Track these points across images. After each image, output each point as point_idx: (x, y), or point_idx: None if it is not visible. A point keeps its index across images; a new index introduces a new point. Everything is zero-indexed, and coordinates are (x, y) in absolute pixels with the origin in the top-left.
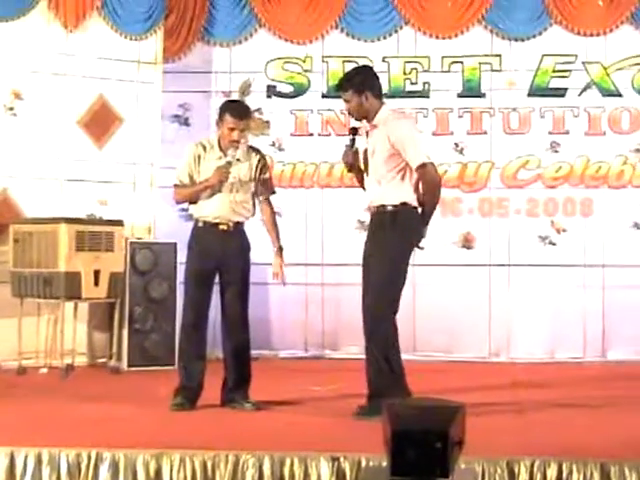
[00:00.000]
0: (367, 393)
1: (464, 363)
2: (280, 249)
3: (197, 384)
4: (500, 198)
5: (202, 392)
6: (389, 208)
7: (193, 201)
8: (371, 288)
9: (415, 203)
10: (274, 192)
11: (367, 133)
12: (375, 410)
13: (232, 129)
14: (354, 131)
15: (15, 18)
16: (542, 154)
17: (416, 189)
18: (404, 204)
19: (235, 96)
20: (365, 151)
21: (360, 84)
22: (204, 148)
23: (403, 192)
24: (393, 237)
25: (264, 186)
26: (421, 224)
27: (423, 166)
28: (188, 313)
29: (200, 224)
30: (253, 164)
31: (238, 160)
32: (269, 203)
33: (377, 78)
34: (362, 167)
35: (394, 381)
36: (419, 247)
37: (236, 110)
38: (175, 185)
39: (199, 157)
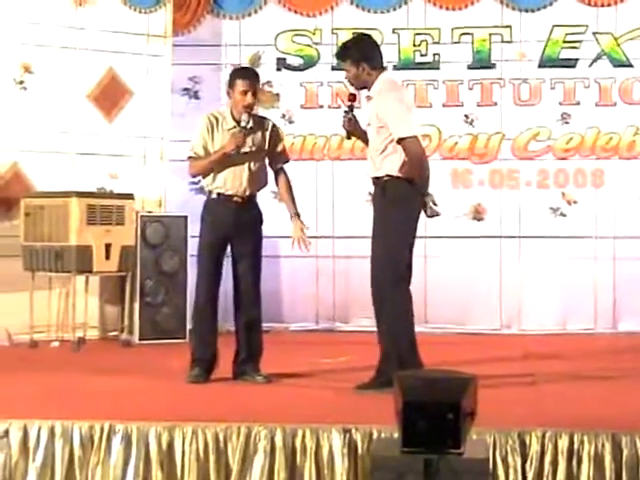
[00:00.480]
0: (377, 366)
1: (475, 335)
2: (297, 215)
3: (212, 356)
4: (511, 169)
5: (217, 364)
6: (379, 180)
7: (208, 173)
8: (371, 264)
9: (400, 174)
10: (288, 160)
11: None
12: (381, 384)
13: (245, 92)
14: (352, 97)
15: None
16: (553, 125)
17: (404, 162)
18: (389, 176)
19: None
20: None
21: (357, 55)
22: (216, 119)
23: (391, 164)
24: (385, 210)
25: (278, 155)
26: (417, 194)
27: (402, 140)
28: (201, 285)
29: (214, 196)
30: (267, 133)
31: (251, 129)
32: (284, 172)
33: (376, 47)
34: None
35: (405, 355)
36: (431, 215)
37: (246, 74)
38: (189, 157)
39: (212, 128)
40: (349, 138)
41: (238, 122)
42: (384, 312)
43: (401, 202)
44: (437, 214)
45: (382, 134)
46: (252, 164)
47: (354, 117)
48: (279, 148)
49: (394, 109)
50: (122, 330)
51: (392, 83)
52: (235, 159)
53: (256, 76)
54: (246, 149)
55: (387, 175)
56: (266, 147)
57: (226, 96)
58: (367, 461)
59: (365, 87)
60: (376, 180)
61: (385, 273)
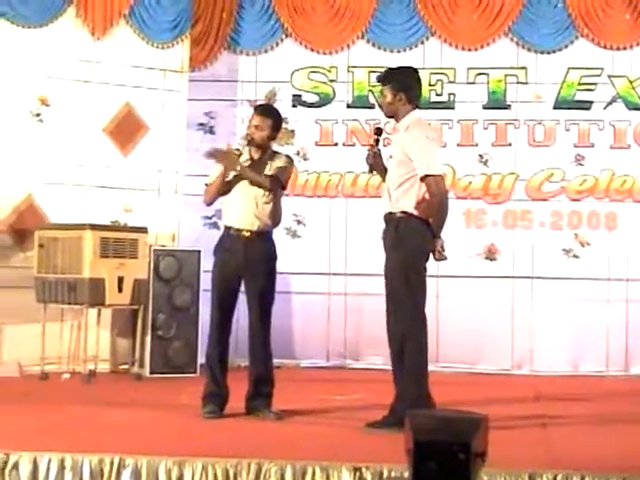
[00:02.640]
0: (391, 404)
1: (487, 375)
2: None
3: (225, 390)
4: (524, 210)
5: (228, 399)
6: (393, 217)
7: (213, 199)
8: (389, 301)
9: (415, 212)
10: (283, 186)
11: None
12: (393, 423)
13: (257, 126)
14: (379, 131)
15: (43, 25)
16: (567, 167)
17: (423, 200)
18: (405, 213)
19: None
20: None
21: (399, 83)
22: (237, 151)
23: (408, 200)
24: (398, 249)
25: (276, 178)
26: (429, 234)
27: (426, 177)
28: (213, 321)
29: (225, 231)
30: (274, 165)
31: (261, 161)
32: (276, 197)
33: (418, 83)
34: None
35: (422, 394)
36: (439, 259)
37: (260, 108)
38: (205, 185)
39: None
40: (371, 172)
41: (252, 157)
42: (406, 350)
43: (414, 238)
44: (444, 259)
45: (403, 168)
46: (258, 197)
47: (379, 151)
48: (280, 172)
49: (422, 145)
50: (133, 363)
51: (423, 121)
52: (245, 193)
53: (270, 111)
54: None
55: (402, 212)
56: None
57: (243, 131)
58: None
59: (393, 117)
60: (389, 215)
61: (407, 311)
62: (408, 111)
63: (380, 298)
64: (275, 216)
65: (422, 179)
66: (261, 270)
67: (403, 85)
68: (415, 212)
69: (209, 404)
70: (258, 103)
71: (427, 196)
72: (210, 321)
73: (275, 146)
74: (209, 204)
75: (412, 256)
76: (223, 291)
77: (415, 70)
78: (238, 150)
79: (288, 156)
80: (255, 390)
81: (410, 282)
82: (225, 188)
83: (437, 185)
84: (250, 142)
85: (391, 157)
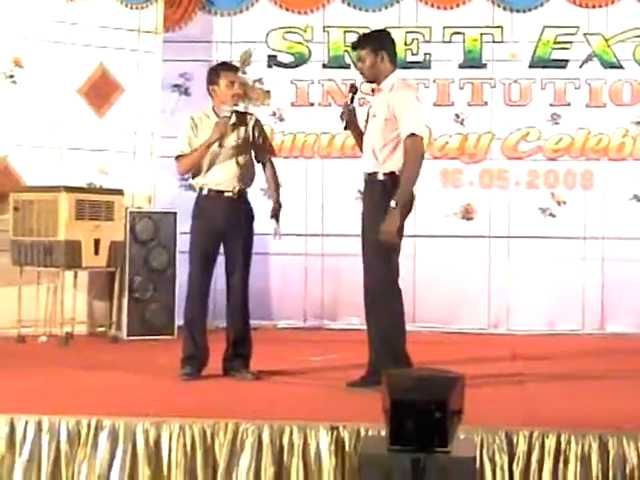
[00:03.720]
0: (368, 363)
1: (463, 334)
2: (279, 206)
3: (204, 353)
4: (500, 169)
5: (207, 361)
6: (379, 177)
7: (196, 168)
8: (367, 265)
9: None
10: (274, 153)
11: (372, 94)
12: (372, 382)
13: (232, 82)
14: (354, 89)
15: None
16: (543, 126)
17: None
18: (392, 173)
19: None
20: (368, 113)
21: (378, 44)
22: (200, 118)
23: (394, 162)
24: (384, 208)
25: (264, 148)
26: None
27: (412, 135)
28: (194, 283)
29: (204, 192)
30: (250, 128)
31: (234, 124)
32: (271, 164)
33: (394, 43)
34: (362, 128)
35: (399, 354)
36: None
37: (227, 65)
38: (177, 157)
39: (196, 126)
40: (346, 129)
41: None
42: (379, 312)
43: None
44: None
45: (389, 128)
46: (240, 159)
47: (354, 108)
48: (264, 141)
49: (410, 106)
50: (110, 326)
51: (406, 82)
52: (223, 154)
53: (236, 67)
54: (233, 144)
55: (389, 172)
56: (251, 141)
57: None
58: (354, 459)
59: (374, 80)
60: (373, 175)
61: (378, 277)
62: (390, 71)
63: (357, 259)
64: (253, 176)
65: (406, 138)
66: (243, 231)
67: (382, 45)
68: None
69: (187, 366)
70: (214, 65)
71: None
72: (189, 283)
73: (250, 107)
74: (185, 173)
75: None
76: (205, 253)
77: (388, 31)
78: (226, 116)
79: (257, 118)
80: (233, 351)
81: (385, 246)
82: (210, 162)
83: (419, 145)
84: (236, 99)
85: (374, 117)
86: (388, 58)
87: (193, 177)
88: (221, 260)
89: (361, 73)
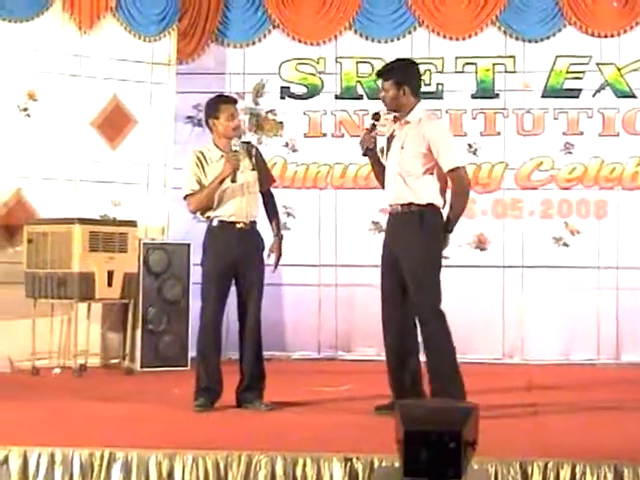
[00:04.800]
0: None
1: (478, 364)
2: (280, 237)
3: (218, 385)
4: (514, 199)
5: (221, 393)
6: (415, 208)
7: (208, 205)
8: (418, 291)
9: (440, 204)
10: (274, 181)
11: (395, 122)
12: None
13: (232, 116)
14: (376, 117)
15: (30, 19)
16: (556, 155)
17: (442, 192)
18: (431, 205)
19: (249, 97)
20: (389, 141)
21: (401, 77)
22: (202, 154)
23: (430, 192)
24: (426, 239)
25: (266, 177)
26: (445, 229)
27: (456, 170)
28: (206, 315)
29: (215, 223)
30: (252, 157)
31: (238, 152)
32: (271, 193)
33: (419, 74)
34: (380, 155)
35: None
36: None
37: (225, 98)
38: (186, 196)
39: (201, 163)
40: (365, 155)
41: (224, 150)
42: (436, 341)
43: (439, 229)
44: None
45: (422, 159)
46: (249, 189)
47: (376, 136)
48: (266, 170)
49: (446, 139)
50: (124, 357)
51: (433, 113)
52: (233, 186)
53: (235, 99)
54: (240, 177)
55: (428, 203)
56: (255, 169)
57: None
58: None
59: (398, 110)
60: (406, 207)
61: (435, 309)
62: (413, 104)
63: (371, 289)
64: (258, 205)
65: (449, 172)
66: (256, 262)
67: (405, 78)
68: (439, 204)
69: (200, 397)
70: (211, 98)
71: (450, 189)
72: (203, 315)
73: (264, 138)
74: (197, 211)
75: (439, 246)
76: (218, 285)
77: (414, 62)
78: (236, 151)
79: (257, 147)
80: (247, 383)
81: (437, 269)
82: (220, 196)
83: (464, 177)
84: (237, 131)
85: (403, 148)
86: (411, 91)
87: (202, 213)
88: (232, 290)
89: (383, 102)
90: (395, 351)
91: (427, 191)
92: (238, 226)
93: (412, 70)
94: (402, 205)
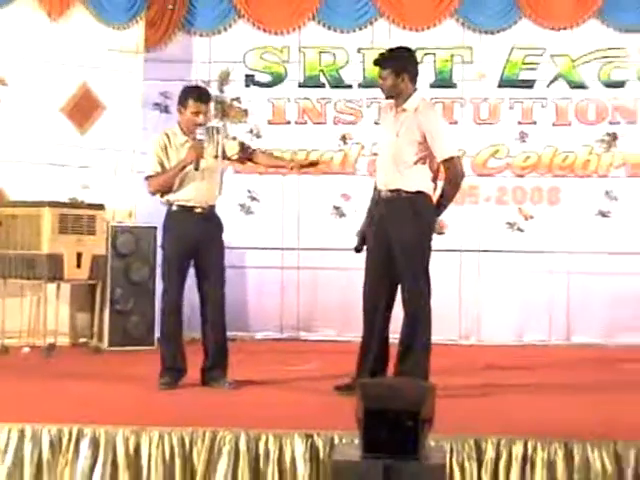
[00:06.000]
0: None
1: (435, 345)
2: (293, 161)
3: (182, 364)
4: (470, 186)
5: (185, 371)
6: (405, 194)
7: (168, 188)
8: (412, 281)
9: (430, 192)
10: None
11: (390, 110)
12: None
13: (197, 113)
14: (362, 242)
15: (0, 7)
16: (511, 143)
17: (433, 180)
18: (421, 192)
19: (214, 85)
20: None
21: (400, 64)
22: (168, 137)
23: (421, 180)
24: (418, 226)
25: (243, 147)
26: (435, 214)
27: (450, 159)
28: (169, 296)
29: (175, 208)
30: (219, 142)
31: (204, 140)
32: (258, 149)
33: (417, 62)
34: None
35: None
36: (439, 233)
37: (199, 94)
38: (148, 177)
39: (165, 146)
40: (358, 252)
41: (189, 136)
42: (420, 327)
43: (429, 215)
44: (443, 233)
45: (417, 148)
46: (209, 175)
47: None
48: (238, 144)
49: (442, 128)
50: (92, 337)
51: (430, 103)
52: (194, 172)
53: (208, 96)
54: (204, 164)
55: (418, 191)
56: (220, 155)
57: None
58: (328, 466)
59: (395, 98)
60: (396, 193)
61: (425, 291)
62: (411, 91)
63: (332, 272)
64: (220, 191)
65: (444, 161)
66: (215, 245)
67: (404, 66)
68: (429, 191)
69: (166, 376)
70: (186, 87)
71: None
72: (163, 298)
73: (229, 124)
74: (156, 193)
75: (429, 234)
76: (178, 268)
77: (411, 50)
78: (201, 140)
79: (218, 128)
80: (212, 362)
81: (427, 258)
82: (180, 181)
83: (458, 166)
84: (198, 127)
85: (398, 136)
86: (409, 78)
87: (162, 195)
88: (191, 273)
89: (381, 89)
90: (372, 321)
91: (418, 179)
92: (197, 210)
93: (410, 58)
94: (391, 191)
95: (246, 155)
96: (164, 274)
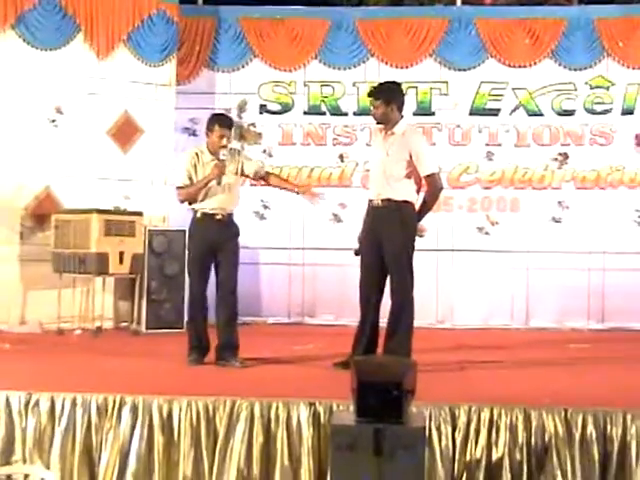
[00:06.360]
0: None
1: (416, 329)
2: (299, 186)
3: (205, 344)
4: (446, 197)
5: (209, 349)
6: (394, 204)
7: (194, 199)
8: (399, 275)
9: (414, 202)
10: (261, 168)
11: (380, 133)
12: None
13: (222, 137)
14: (358, 254)
15: (57, 48)
16: (480, 161)
17: (417, 192)
18: (407, 202)
19: (234, 112)
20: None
21: (390, 96)
22: (197, 155)
23: (408, 192)
24: (405, 230)
25: (259, 168)
26: (417, 219)
27: (432, 175)
28: (193, 289)
29: (199, 215)
30: (239, 161)
31: (226, 160)
32: (270, 172)
33: (403, 94)
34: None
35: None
36: (421, 236)
37: (224, 121)
38: (178, 187)
39: (195, 163)
40: (358, 254)
41: (214, 156)
42: (404, 313)
43: (414, 222)
44: (423, 236)
45: (405, 166)
46: (229, 188)
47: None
48: (255, 165)
49: (426, 150)
50: (132, 321)
51: (414, 128)
52: (220, 182)
53: (231, 122)
54: (224, 177)
55: (404, 201)
56: (239, 173)
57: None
58: (328, 429)
59: (383, 123)
60: (386, 202)
61: (410, 284)
62: (398, 118)
63: (331, 268)
64: (238, 201)
65: (427, 177)
66: (230, 245)
67: (393, 97)
68: (413, 201)
69: (193, 353)
70: (214, 114)
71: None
72: (190, 290)
73: (246, 145)
74: (184, 202)
75: (413, 236)
76: (201, 264)
77: (399, 84)
78: (224, 160)
79: (240, 151)
80: (223, 343)
81: (411, 257)
82: (204, 193)
83: (439, 181)
84: (223, 149)
85: (388, 155)
86: (397, 107)
87: (189, 204)
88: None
89: (373, 117)
90: (366, 309)
91: (405, 191)
92: (217, 217)
93: (398, 90)
94: (382, 200)
95: (260, 177)
96: (189, 271)
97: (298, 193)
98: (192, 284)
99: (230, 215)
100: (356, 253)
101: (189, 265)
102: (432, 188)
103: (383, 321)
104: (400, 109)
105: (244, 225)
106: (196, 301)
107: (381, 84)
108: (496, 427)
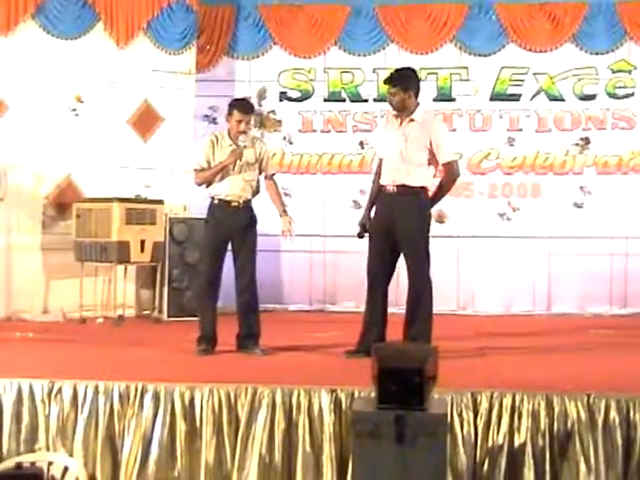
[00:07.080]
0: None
1: (437, 315)
2: (285, 212)
3: (213, 333)
4: (466, 182)
5: (216, 340)
6: (409, 189)
7: (210, 182)
8: (417, 262)
9: (429, 188)
10: (275, 172)
11: (396, 119)
12: (362, 351)
13: (240, 122)
14: (361, 236)
15: (78, 37)
16: (501, 147)
17: (432, 178)
18: (423, 188)
19: (254, 100)
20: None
21: (407, 83)
22: (217, 139)
23: (425, 178)
24: (420, 215)
25: (268, 167)
26: (431, 205)
27: (450, 163)
28: (205, 276)
29: (215, 201)
30: (257, 149)
31: (245, 147)
32: (273, 180)
33: (419, 81)
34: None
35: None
36: (441, 222)
37: (243, 106)
38: (195, 170)
39: (214, 146)
40: (361, 237)
41: (234, 141)
42: (424, 300)
43: (429, 207)
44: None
45: (424, 152)
46: (246, 175)
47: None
48: (268, 162)
49: (446, 137)
50: (154, 309)
51: (433, 114)
52: (234, 168)
53: (251, 108)
54: (242, 163)
55: (421, 186)
56: (257, 160)
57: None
58: (349, 415)
59: (400, 110)
60: (402, 188)
61: (427, 270)
62: (416, 105)
63: (352, 255)
64: (257, 189)
65: (445, 164)
66: (247, 232)
67: (410, 84)
68: (428, 187)
69: (202, 344)
70: (234, 99)
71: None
72: (202, 276)
73: (266, 133)
74: (200, 185)
75: (429, 222)
76: (215, 250)
77: (415, 71)
78: (244, 146)
79: (263, 141)
80: (245, 332)
81: (428, 240)
82: (221, 177)
83: (456, 168)
84: (242, 134)
85: (407, 142)
86: (414, 94)
87: (207, 186)
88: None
89: (390, 103)
90: (375, 296)
91: (422, 177)
92: (233, 204)
93: (414, 77)
94: (397, 186)
95: (267, 178)
96: (203, 257)
97: (280, 216)
98: (203, 271)
99: (247, 202)
100: (359, 236)
101: (203, 250)
102: (449, 176)
103: (401, 309)
104: (417, 95)
105: (266, 213)
106: (206, 290)
107: (397, 71)
108: (518, 413)
